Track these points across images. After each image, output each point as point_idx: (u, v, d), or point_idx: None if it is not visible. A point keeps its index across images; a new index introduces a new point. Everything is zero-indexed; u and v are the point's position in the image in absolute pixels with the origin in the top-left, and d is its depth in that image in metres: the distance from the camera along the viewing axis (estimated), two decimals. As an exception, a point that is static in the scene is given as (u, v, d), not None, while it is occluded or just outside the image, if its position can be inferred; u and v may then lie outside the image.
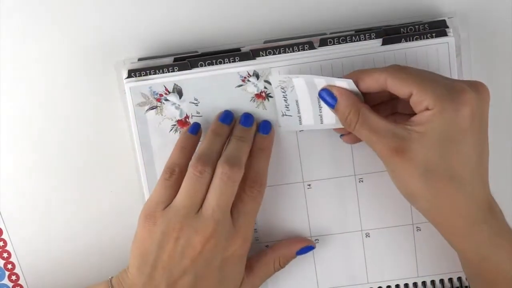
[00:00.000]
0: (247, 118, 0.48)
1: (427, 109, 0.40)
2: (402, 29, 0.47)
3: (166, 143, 0.48)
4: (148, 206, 0.45)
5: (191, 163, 0.45)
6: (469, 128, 0.40)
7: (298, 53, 0.47)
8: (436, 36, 0.46)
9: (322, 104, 0.45)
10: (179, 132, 0.48)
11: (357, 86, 0.43)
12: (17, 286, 0.54)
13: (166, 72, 0.47)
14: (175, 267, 0.44)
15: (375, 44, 0.46)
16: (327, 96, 0.44)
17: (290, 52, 0.47)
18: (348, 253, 0.50)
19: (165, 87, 0.47)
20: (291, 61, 0.47)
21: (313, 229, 0.50)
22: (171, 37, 0.49)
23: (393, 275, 0.51)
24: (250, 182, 0.46)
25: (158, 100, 0.48)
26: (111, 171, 0.51)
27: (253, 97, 0.48)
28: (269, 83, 0.47)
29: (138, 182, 0.49)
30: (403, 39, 0.46)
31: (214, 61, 0.47)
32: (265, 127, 0.48)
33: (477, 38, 0.49)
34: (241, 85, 0.47)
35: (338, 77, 0.44)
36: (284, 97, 0.46)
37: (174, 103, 0.48)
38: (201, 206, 0.44)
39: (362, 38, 0.47)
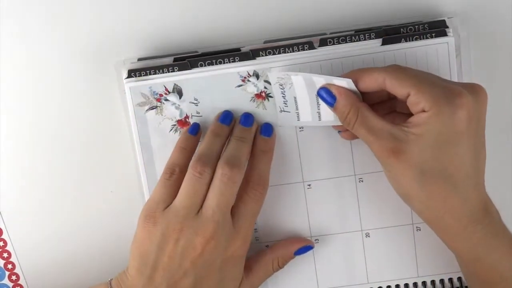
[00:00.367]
0: (247, 118, 0.48)
1: (423, 110, 0.40)
2: (402, 29, 0.47)
3: (166, 143, 0.48)
4: (148, 206, 0.45)
5: (191, 163, 0.45)
6: (466, 131, 0.40)
7: (298, 53, 0.47)
8: (436, 36, 0.46)
9: (320, 101, 0.45)
10: (179, 132, 0.48)
11: (356, 85, 0.43)
12: (17, 286, 0.54)
13: (166, 72, 0.47)
14: (175, 269, 0.44)
15: (375, 44, 0.46)
16: (326, 95, 0.44)
17: (290, 52, 0.47)
18: (348, 253, 0.50)
19: (165, 87, 0.47)
20: (291, 61, 0.47)
21: (313, 229, 0.50)
22: (171, 37, 0.49)
23: (393, 275, 0.51)
24: (253, 184, 0.46)
25: (158, 100, 0.48)
26: (111, 171, 0.51)
27: (253, 97, 0.48)
28: (269, 83, 0.47)
29: (138, 182, 0.49)
30: (403, 39, 0.46)
31: (214, 61, 0.47)
32: (267, 129, 0.48)
33: (477, 38, 0.49)
34: (241, 85, 0.47)
35: (337, 76, 0.44)
36: (283, 94, 0.46)
37: (174, 103, 0.48)
38: (201, 206, 0.44)
39: (362, 38, 0.47)
